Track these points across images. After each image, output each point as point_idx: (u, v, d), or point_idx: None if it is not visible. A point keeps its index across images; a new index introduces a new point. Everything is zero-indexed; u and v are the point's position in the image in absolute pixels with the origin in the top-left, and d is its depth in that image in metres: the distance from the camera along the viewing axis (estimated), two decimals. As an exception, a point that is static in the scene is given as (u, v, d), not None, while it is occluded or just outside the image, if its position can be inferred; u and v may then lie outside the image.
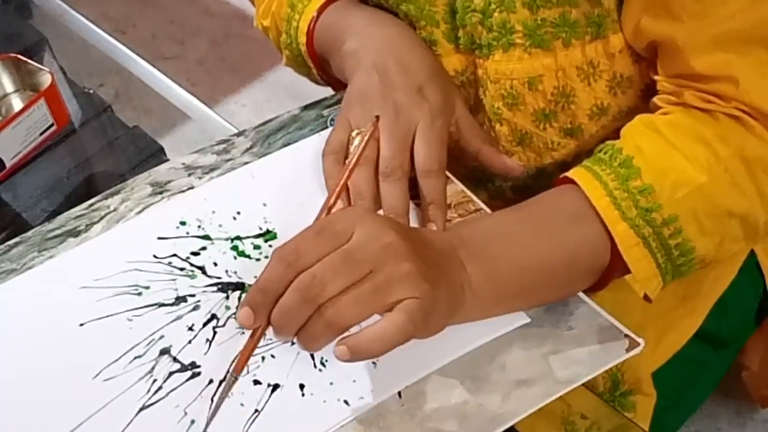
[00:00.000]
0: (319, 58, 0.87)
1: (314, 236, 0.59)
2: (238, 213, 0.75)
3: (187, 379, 0.64)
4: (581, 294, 0.69)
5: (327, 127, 0.84)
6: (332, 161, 0.75)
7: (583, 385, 0.63)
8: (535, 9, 0.73)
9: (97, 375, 0.64)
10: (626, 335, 0.66)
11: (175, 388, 0.63)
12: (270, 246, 0.73)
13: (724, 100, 0.69)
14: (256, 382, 0.63)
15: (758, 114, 0.68)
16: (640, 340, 0.65)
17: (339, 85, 0.86)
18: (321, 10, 0.84)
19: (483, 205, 0.75)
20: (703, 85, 0.70)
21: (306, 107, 0.86)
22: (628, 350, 0.65)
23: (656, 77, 0.74)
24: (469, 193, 0.76)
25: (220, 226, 0.74)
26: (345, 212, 0.61)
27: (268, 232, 0.74)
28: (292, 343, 0.62)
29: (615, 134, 0.83)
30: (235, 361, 0.62)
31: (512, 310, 0.67)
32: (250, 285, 0.70)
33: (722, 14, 0.67)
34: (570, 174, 0.70)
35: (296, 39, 0.86)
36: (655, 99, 0.74)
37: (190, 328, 0.67)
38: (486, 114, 0.82)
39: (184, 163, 0.81)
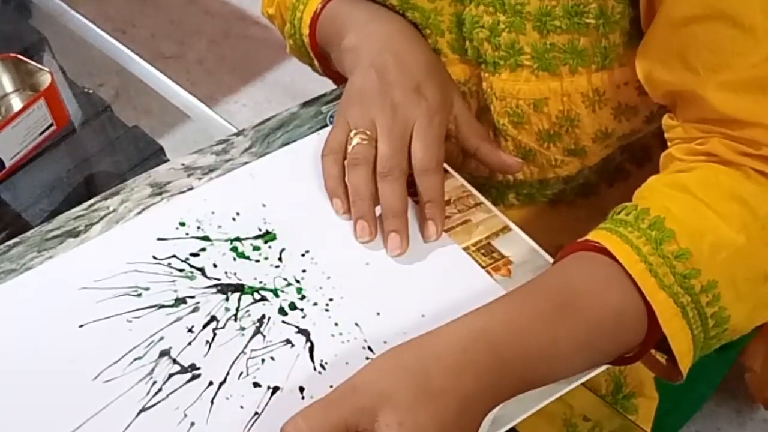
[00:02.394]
0: (321, 50, 0.87)
1: None
2: (238, 214, 0.75)
3: (187, 381, 0.64)
4: None
5: (326, 125, 0.84)
6: (331, 162, 0.75)
7: (585, 386, 0.63)
8: (545, 33, 0.72)
9: (96, 376, 0.64)
10: None
11: (174, 390, 0.63)
12: (270, 247, 0.72)
13: (754, 147, 0.64)
14: (256, 385, 0.63)
15: None
16: None
17: (339, 78, 0.86)
18: (325, 2, 0.84)
19: (483, 199, 0.75)
20: (732, 131, 0.65)
21: (305, 104, 0.86)
22: None
23: (674, 122, 0.70)
24: (468, 186, 0.76)
25: (220, 227, 0.74)
26: None
27: (267, 233, 0.74)
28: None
29: (618, 152, 0.82)
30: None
31: None
32: (249, 286, 0.70)
33: (742, 65, 0.64)
34: (595, 238, 0.63)
35: (300, 30, 0.86)
36: (672, 151, 0.69)
37: (190, 330, 0.67)
38: (490, 126, 0.82)
39: (183, 164, 0.80)
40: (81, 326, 0.68)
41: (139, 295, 0.70)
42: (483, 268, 0.70)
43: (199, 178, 0.79)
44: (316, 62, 0.88)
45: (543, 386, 0.61)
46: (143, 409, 0.62)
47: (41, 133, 0.94)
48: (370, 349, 0.65)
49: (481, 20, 0.75)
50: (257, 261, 0.72)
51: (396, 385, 0.55)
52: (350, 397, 0.56)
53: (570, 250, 0.64)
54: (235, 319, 0.67)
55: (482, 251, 0.71)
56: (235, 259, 0.72)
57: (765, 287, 0.63)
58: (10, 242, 0.76)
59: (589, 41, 0.72)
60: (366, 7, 0.83)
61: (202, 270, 0.71)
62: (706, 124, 0.67)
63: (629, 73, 0.74)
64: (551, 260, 0.70)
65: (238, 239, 0.73)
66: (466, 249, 0.72)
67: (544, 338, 0.59)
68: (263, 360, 0.65)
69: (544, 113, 0.77)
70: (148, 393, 0.63)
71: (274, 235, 0.73)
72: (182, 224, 0.74)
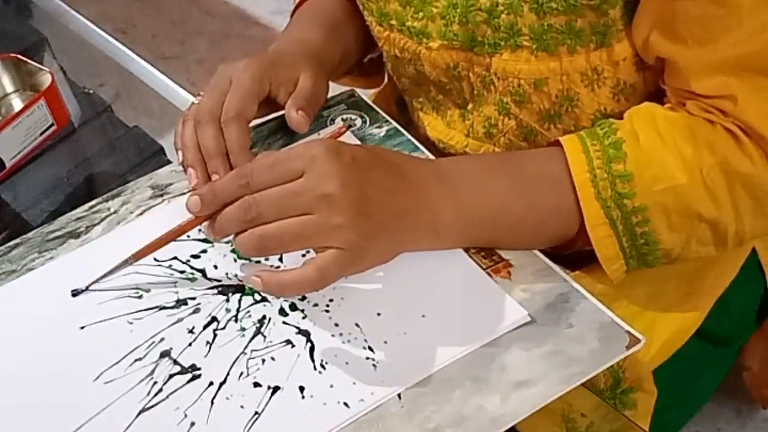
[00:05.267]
0: None
1: (268, 168, 0.64)
2: (238, 215, 0.75)
3: (188, 382, 0.64)
4: (582, 290, 0.69)
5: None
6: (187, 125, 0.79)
7: (583, 384, 0.63)
8: (542, 15, 0.73)
9: (97, 377, 0.65)
10: (627, 331, 0.66)
11: (175, 391, 0.63)
12: (270, 248, 0.73)
13: (724, 115, 0.71)
14: (256, 385, 0.63)
15: (752, 133, 0.70)
16: (640, 336, 0.65)
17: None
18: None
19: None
20: (705, 100, 0.72)
21: (305, 107, 0.86)
22: (628, 347, 0.65)
23: (663, 85, 0.76)
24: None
25: (220, 228, 0.74)
26: (302, 150, 0.64)
27: (268, 233, 0.74)
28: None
29: None
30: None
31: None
32: (250, 287, 0.70)
33: (726, 42, 0.69)
34: (562, 140, 0.73)
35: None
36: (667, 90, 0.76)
37: (191, 331, 0.67)
38: (490, 107, 0.82)
39: (184, 165, 0.80)
40: (82, 328, 0.68)
41: (140, 296, 0.70)
42: (483, 269, 0.70)
43: (200, 179, 0.79)
44: None
45: (487, 235, 0.71)
46: (144, 410, 0.62)
47: (42, 133, 0.94)
48: (370, 349, 0.65)
49: (477, 3, 0.76)
50: (258, 262, 0.72)
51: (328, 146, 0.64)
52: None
53: (551, 142, 0.76)
54: (236, 320, 0.68)
55: (482, 253, 0.72)
56: (235, 260, 0.72)
57: (700, 226, 0.71)
58: (11, 243, 0.76)
59: (586, 21, 0.73)
60: (301, 18, 0.93)
61: (202, 271, 0.71)
62: (683, 92, 0.73)
63: (628, 48, 0.76)
64: (551, 263, 0.71)
65: (238, 240, 0.73)
66: (466, 251, 0.72)
67: (481, 171, 0.72)
68: (263, 360, 0.65)
69: (545, 93, 0.78)
70: (149, 393, 0.63)
71: (275, 235, 0.74)
72: (183, 226, 0.75)
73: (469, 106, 0.84)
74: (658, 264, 0.74)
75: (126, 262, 0.69)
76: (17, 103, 0.97)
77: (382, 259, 0.67)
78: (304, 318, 0.68)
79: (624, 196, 0.69)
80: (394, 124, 0.85)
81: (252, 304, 0.69)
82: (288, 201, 0.62)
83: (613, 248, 0.72)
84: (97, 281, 0.70)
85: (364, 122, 0.85)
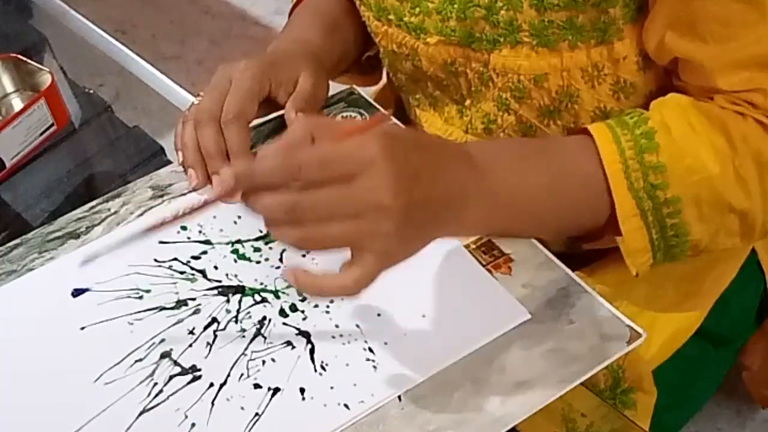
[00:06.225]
0: None
1: (320, 164, 0.57)
2: (239, 217, 0.75)
3: (188, 383, 0.64)
4: (583, 284, 0.69)
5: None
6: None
7: (583, 384, 0.63)
8: (542, 11, 0.73)
9: (98, 378, 0.65)
10: (628, 326, 0.66)
11: (175, 392, 0.63)
12: (270, 248, 0.73)
13: (753, 107, 0.71)
14: (257, 386, 0.63)
15: None
16: (641, 331, 0.65)
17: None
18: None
19: None
20: (733, 95, 0.71)
21: (305, 107, 0.86)
22: (629, 342, 0.65)
23: (680, 83, 0.75)
24: None
25: (221, 230, 0.74)
26: (355, 150, 0.58)
27: (268, 234, 0.74)
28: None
29: None
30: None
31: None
32: (250, 288, 0.70)
33: (748, 39, 0.69)
34: (592, 129, 0.71)
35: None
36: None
37: (191, 332, 0.67)
38: (488, 102, 0.82)
39: (184, 166, 0.81)
40: (82, 328, 0.68)
41: (141, 297, 0.70)
42: (484, 266, 0.70)
43: (200, 180, 0.79)
44: None
45: (510, 225, 0.70)
46: (144, 411, 0.62)
47: (42, 134, 0.94)
48: (370, 350, 0.65)
49: None
50: (258, 262, 0.72)
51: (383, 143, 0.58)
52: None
53: (574, 130, 0.74)
54: (236, 321, 0.68)
55: (483, 249, 0.72)
56: (236, 261, 0.72)
57: (729, 217, 0.70)
58: (11, 243, 0.76)
59: (587, 17, 0.73)
60: (298, 18, 0.92)
61: (203, 272, 0.71)
62: (708, 89, 0.72)
63: (629, 47, 0.76)
64: (552, 257, 0.71)
65: (239, 242, 0.73)
66: (467, 247, 0.72)
67: (518, 167, 0.69)
68: (264, 361, 0.65)
69: (545, 89, 0.78)
70: (149, 394, 0.63)
71: (275, 236, 0.74)
72: (184, 228, 0.75)
73: (467, 102, 0.84)
74: (683, 257, 0.73)
75: (136, 236, 0.64)
76: (17, 103, 0.97)
77: (406, 258, 0.63)
78: (304, 319, 0.68)
79: (657, 187, 0.68)
80: (395, 120, 0.85)
81: (252, 305, 0.69)
82: (338, 206, 0.58)
83: (642, 240, 0.71)
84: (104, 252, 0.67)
85: (365, 119, 0.85)
